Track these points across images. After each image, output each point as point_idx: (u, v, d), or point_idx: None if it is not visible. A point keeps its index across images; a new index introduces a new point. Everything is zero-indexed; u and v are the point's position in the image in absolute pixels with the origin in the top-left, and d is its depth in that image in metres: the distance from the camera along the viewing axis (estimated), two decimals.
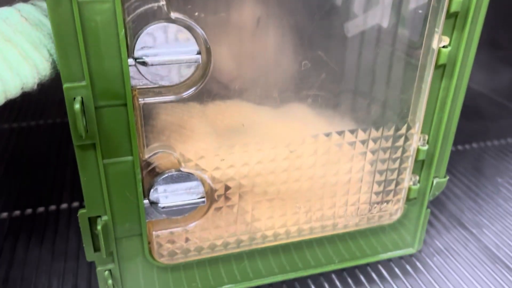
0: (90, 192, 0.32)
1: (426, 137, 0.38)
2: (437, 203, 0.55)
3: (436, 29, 0.34)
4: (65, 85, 0.28)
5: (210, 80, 0.31)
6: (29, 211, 0.52)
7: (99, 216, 0.33)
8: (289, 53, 0.32)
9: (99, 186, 0.32)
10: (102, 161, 0.31)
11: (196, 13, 0.28)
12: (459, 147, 0.66)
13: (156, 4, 0.28)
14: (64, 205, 0.52)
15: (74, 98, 0.28)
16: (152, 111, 0.31)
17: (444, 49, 0.35)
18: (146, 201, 0.34)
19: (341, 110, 0.35)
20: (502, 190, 0.57)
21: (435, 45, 0.34)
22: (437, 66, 0.35)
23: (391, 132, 0.37)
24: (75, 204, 0.53)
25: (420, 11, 0.33)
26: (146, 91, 0.30)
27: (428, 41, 0.34)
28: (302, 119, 0.35)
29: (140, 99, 0.30)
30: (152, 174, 0.33)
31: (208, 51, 0.30)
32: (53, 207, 0.52)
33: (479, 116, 0.73)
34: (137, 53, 0.29)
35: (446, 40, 0.35)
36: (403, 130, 0.37)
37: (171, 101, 0.31)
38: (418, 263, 0.46)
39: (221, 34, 0.30)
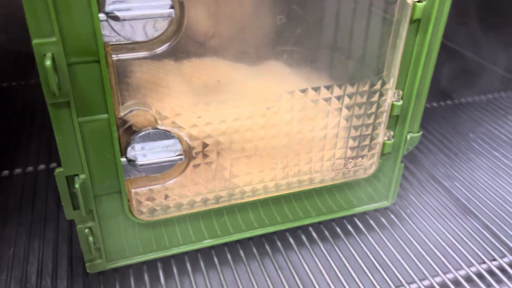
0: (66, 151, 0.32)
1: (401, 92, 0.39)
2: (411, 158, 0.56)
3: None
4: (34, 41, 0.27)
5: (184, 36, 0.30)
6: (5, 172, 0.51)
7: (77, 175, 0.33)
8: (264, 8, 0.32)
9: (75, 145, 0.32)
10: (77, 119, 0.31)
11: None
12: (434, 104, 0.67)
13: None
14: (41, 166, 0.52)
15: (45, 55, 0.28)
16: (127, 68, 0.31)
17: (419, 4, 0.35)
18: (123, 159, 0.34)
19: (317, 66, 0.35)
20: (473, 145, 0.59)
21: (409, 0, 0.34)
22: (411, 21, 0.35)
23: (366, 87, 0.37)
24: (53, 165, 0.53)
25: None
26: (120, 47, 0.30)
27: None
28: (278, 75, 0.35)
29: (113, 56, 0.30)
30: (128, 132, 0.33)
31: (182, 5, 0.29)
32: (30, 168, 0.52)
33: (455, 74, 0.74)
34: (108, 8, 0.28)
35: None
36: (378, 86, 0.38)
37: (145, 57, 0.30)
38: (392, 216, 0.48)
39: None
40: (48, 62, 0.27)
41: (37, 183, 0.50)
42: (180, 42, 0.31)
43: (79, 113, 0.31)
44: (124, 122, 0.33)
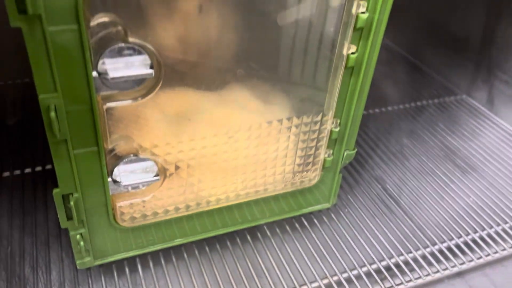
0: (63, 176, 0.39)
1: (338, 120, 0.48)
2: (352, 162, 0.66)
3: (344, 41, 0.42)
4: (40, 96, 0.34)
5: (162, 86, 0.38)
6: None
7: (71, 193, 0.40)
8: (223, 54, 0.39)
9: (70, 171, 0.39)
10: (73, 151, 0.38)
11: (149, 38, 0.34)
12: (377, 110, 0.77)
13: (114, 29, 0.34)
14: (28, 170, 0.58)
15: (49, 106, 0.34)
16: (114, 111, 0.38)
17: (352, 55, 0.43)
18: (110, 180, 0.41)
19: (269, 103, 0.43)
20: (405, 149, 0.69)
21: (345, 52, 0.42)
22: (346, 68, 0.44)
23: (310, 119, 0.46)
24: (38, 168, 0.59)
25: (333, 27, 0.41)
26: (109, 96, 0.37)
27: (340, 49, 0.42)
28: (238, 111, 0.43)
29: (103, 104, 0.36)
30: (115, 158, 0.41)
31: (159, 64, 0.36)
32: (17, 172, 0.58)
33: (396, 81, 0.84)
34: (100, 68, 0.35)
35: (353, 48, 0.43)
36: (319, 117, 0.46)
37: (129, 103, 0.37)
38: (332, 214, 0.58)
39: (170, 51, 0.36)
40: (53, 114, 0.34)
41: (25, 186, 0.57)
42: (158, 92, 0.38)
43: (74, 147, 0.38)
44: (111, 151, 0.40)
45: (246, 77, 0.41)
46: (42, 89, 0.34)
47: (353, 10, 0.41)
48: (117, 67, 0.35)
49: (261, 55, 0.40)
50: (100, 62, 0.34)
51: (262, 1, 0.37)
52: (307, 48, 0.42)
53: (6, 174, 0.58)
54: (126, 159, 0.41)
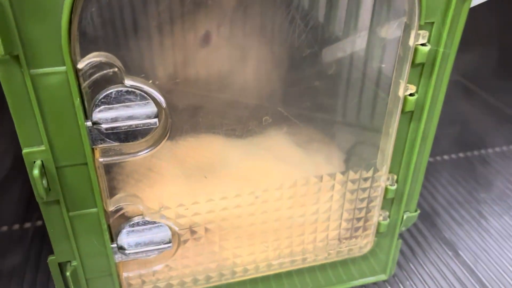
0: (58, 241, 0.33)
1: (395, 176, 0.39)
2: (415, 222, 0.56)
3: (400, 80, 0.33)
4: (24, 150, 0.29)
5: (171, 136, 0.31)
6: None
7: (69, 261, 0.34)
8: (248, 96, 0.32)
9: (66, 236, 0.33)
10: (68, 214, 0.32)
11: (152, 79, 0.28)
12: (445, 157, 0.66)
13: (111, 70, 0.28)
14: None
15: (34, 162, 0.29)
16: (114, 167, 0.32)
17: (410, 97, 0.34)
18: (114, 245, 0.35)
19: (307, 155, 0.36)
20: (482, 206, 0.58)
21: (401, 93, 0.34)
22: (404, 112, 0.35)
23: (358, 175, 0.37)
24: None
25: (386, 63, 0.33)
26: (107, 149, 0.31)
27: (395, 89, 0.34)
28: (267, 165, 0.35)
29: (100, 159, 0.30)
30: (119, 220, 0.34)
31: (165, 112, 0.30)
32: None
33: (464, 120, 0.72)
34: (94, 117, 0.29)
35: (412, 88, 0.34)
36: (370, 173, 0.37)
37: (131, 159, 0.31)
38: None
39: (177, 97, 0.30)
40: (36, 172, 0.28)
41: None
42: (166, 144, 0.31)
43: (69, 208, 0.32)
44: (114, 213, 0.34)
45: (277, 123, 0.33)
46: (26, 142, 0.29)
47: (411, 42, 0.32)
48: (114, 116, 0.29)
49: (297, 96, 0.33)
50: (95, 109, 0.29)
51: (298, 31, 0.30)
52: (354, 88, 0.34)
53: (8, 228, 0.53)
54: (132, 223, 0.34)
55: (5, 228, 0.52)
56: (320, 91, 0.33)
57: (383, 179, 0.38)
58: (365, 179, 0.38)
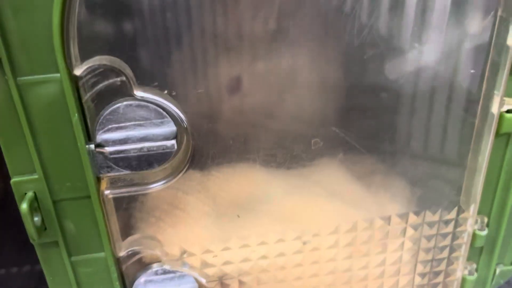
0: None
1: (486, 219, 0.30)
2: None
3: (494, 92, 0.25)
4: (13, 179, 0.23)
5: (193, 164, 0.25)
6: None
7: None
8: (294, 114, 0.25)
9: (68, 286, 0.27)
10: (69, 259, 0.26)
11: (166, 91, 0.22)
12: None
13: (118, 79, 0.22)
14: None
15: (26, 193, 0.23)
16: (124, 203, 0.25)
17: (508, 115, 0.26)
18: None
19: (371, 189, 0.28)
20: None
21: (495, 109, 0.26)
22: (499, 134, 0.27)
23: (436, 217, 0.29)
24: None
25: (473, 65, 0.25)
26: (117, 179, 0.25)
27: (486, 103, 0.26)
28: (318, 203, 0.28)
29: (106, 191, 0.24)
30: (133, 268, 0.28)
31: (187, 132, 0.24)
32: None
33: None
34: (99, 138, 0.23)
35: (511, 103, 0.26)
36: (452, 214, 0.29)
37: (144, 192, 0.25)
38: None
39: (200, 111, 0.23)
40: (24, 206, 0.23)
41: None
42: (187, 173, 0.25)
43: (71, 252, 0.26)
44: (127, 259, 0.27)
45: (330, 148, 0.26)
46: (15, 169, 0.23)
47: (509, 41, 0.24)
48: (124, 136, 0.23)
49: (356, 115, 0.25)
50: (99, 129, 0.23)
51: (357, 27, 0.23)
52: (429, 105, 0.26)
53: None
54: (149, 271, 0.27)
55: (2, 271, 0.46)
56: (385, 109, 0.26)
57: (470, 223, 0.29)
58: (446, 222, 0.29)
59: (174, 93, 0.22)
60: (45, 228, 0.25)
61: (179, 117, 0.23)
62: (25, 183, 0.23)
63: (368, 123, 0.25)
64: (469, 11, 0.24)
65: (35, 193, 0.24)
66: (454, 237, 0.30)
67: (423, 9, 0.24)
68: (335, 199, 0.28)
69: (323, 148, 0.25)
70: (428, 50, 0.25)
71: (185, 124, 0.23)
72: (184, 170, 0.25)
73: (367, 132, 0.26)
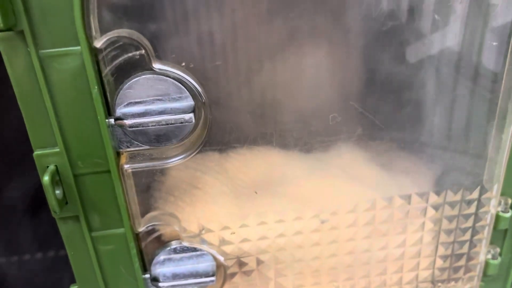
0: (80, 267, 0.28)
1: (510, 200, 0.29)
2: None
3: None
4: (35, 152, 0.24)
5: (211, 139, 0.25)
6: None
7: None
8: (313, 89, 0.25)
9: (89, 261, 0.27)
10: (90, 234, 0.26)
11: (183, 63, 0.22)
12: None
13: (137, 53, 0.22)
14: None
15: (47, 167, 0.24)
16: (144, 177, 0.26)
17: None
18: (146, 276, 0.28)
19: (390, 167, 0.27)
20: None
21: None
22: None
23: (459, 196, 0.28)
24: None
25: (499, 34, 0.25)
26: (136, 154, 0.25)
27: (509, 81, 0.25)
28: (336, 180, 0.27)
29: (126, 166, 0.25)
30: (152, 246, 0.28)
31: (205, 105, 0.24)
32: None
33: None
34: (118, 112, 0.23)
35: None
36: (475, 194, 0.28)
37: (162, 167, 0.25)
38: None
39: (218, 84, 0.23)
40: (46, 178, 0.23)
41: None
42: (205, 149, 0.25)
43: (91, 227, 0.26)
44: (147, 234, 0.28)
45: (350, 126, 0.26)
46: (37, 142, 0.24)
47: None
48: (142, 110, 0.23)
49: (376, 91, 0.25)
50: (119, 103, 0.23)
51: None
52: (452, 81, 0.26)
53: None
54: (168, 249, 0.28)
55: (27, 256, 0.47)
56: (405, 84, 0.25)
57: (493, 204, 0.29)
58: (468, 202, 0.28)
59: (191, 66, 0.22)
60: (66, 202, 0.25)
61: (197, 91, 0.23)
62: (47, 156, 0.24)
63: (387, 98, 0.25)
64: None
65: (56, 166, 0.24)
66: (477, 218, 0.29)
67: None
68: (353, 177, 0.27)
69: (341, 124, 0.25)
70: (451, 27, 0.25)
71: (203, 98, 0.23)
72: (202, 145, 0.25)
73: (386, 108, 0.25)
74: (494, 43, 0.24)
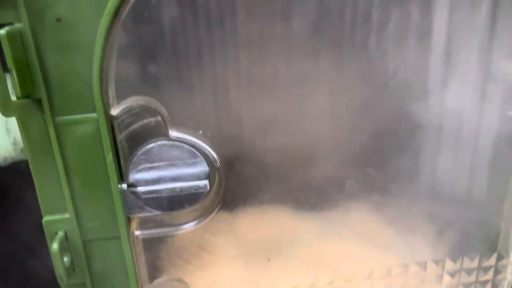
0: None
1: None
2: None
3: None
4: (44, 218, 0.23)
5: (224, 205, 0.24)
6: None
7: None
8: (328, 152, 0.25)
9: None
10: None
11: (200, 131, 0.22)
12: None
13: (153, 119, 0.22)
14: None
15: (56, 233, 0.23)
16: (155, 243, 0.25)
17: None
18: None
19: (406, 232, 0.27)
20: None
21: None
22: None
23: (475, 263, 0.27)
24: None
25: None
26: (146, 220, 0.24)
27: None
28: (351, 246, 0.27)
29: (137, 232, 0.24)
30: None
31: (219, 173, 0.23)
32: None
33: None
34: (131, 178, 0.23)
35: None
36: (491, 260, 0.28)
37: (175, 234, 0.25)
38: None
39: (234, 154, 0.23)
40: (55, 246, 0.22)
41: None
42: (218, 215, 0.24)
43: None
44: None
45: (365, 191, 0.25)
46: (47, 208, 0.23)
47: None
48: (156, 176, 0.23)
49: (393, 157, 0.25)
50: (132, 168, 0.23)
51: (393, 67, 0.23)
52: (467, 145, 0.26)
53: None
54: None
55: None
56: (421, 150, 0.25)
57: (510, 270, 0.28)
58: (485, 269, 0.28)
59: (208, 133, 0.22)
60: (73, 269, 0.24)
61: (212, 157, 0.23)
62: (57, 223, 0.23)
63: (404, 164, 0.25)
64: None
65: (65, 233, 0.23)
66: (494, 285, 0.28)
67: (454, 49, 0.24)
68: (368, 243, 0.27)
69: (357, 190, 0.25)
70: (466, 91, 0.25)
71: (218, 164, 0.23)
72: (215, 211, 0.24)
73: (402, 174, 0.25)
74: (510, 113, 0.24)
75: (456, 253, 0.27)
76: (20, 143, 0.25)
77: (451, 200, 0.26)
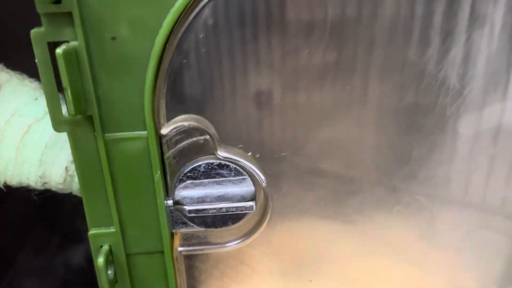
0: None
1: None
2: None
3: None
4: (90, 232, 0.23)
5: (270, 225, 0.24)
6: None
7: None
8: (380, 176, 0.24)
9: None
10: None
11: (250, 153, 0.22)
12: None
13: (202, 138, 0.22)
14: None
15: (101, 246, 0.23)
16: (196, 259, 0.25)
17: None
18: None
19: (449, 259, 0.26)
20: None
21: None
22: None
23: None
24: None
25: None
26: (189, 236, 0.24)
27: None
28: (399, 266, 0.26)
29: (180, 248, 0.24)
30: None
31: (265, 193, 0.23)
32: None
33: None
34: (177, 195, 0.23)
35: None
36: None
37: (220, 249, 0.24)
38: None
39: (282, 175, 0.23)
40: (101, 260, 0.22)
41: None
42: (262, 234, 0.24)
43: None
44: None
45: (413, 217, 0.25)
46: (93, 222, 0.23)
47: None
48: (202, 194, 0.23)
49: (441, 184, 0.24)
50: (178, 185, 0.23)
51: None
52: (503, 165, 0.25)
53: None
54: None
55: None
56: (470, 177, 0.24)
57: None
58: None
59: (257, 156, 0.22)
60: (116, 281, 0.24)
61: (259, 177, 0.23)
62: (102, 236, 0.23)
63: (452, 192, 0.24)
64: None
65: (110, 246, 0.23)
66: None
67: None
68: (412, 266, 0.26)
69: (404, 214, 0.24)
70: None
71: (264, 184, 0.23)
72: (259, 231, 0.24)
73: (451, 201, 0.24)
74: None
75: (503, 282, 0.26)
76: (48, 178, 0.25)
77: (498, 229, 0.26)
